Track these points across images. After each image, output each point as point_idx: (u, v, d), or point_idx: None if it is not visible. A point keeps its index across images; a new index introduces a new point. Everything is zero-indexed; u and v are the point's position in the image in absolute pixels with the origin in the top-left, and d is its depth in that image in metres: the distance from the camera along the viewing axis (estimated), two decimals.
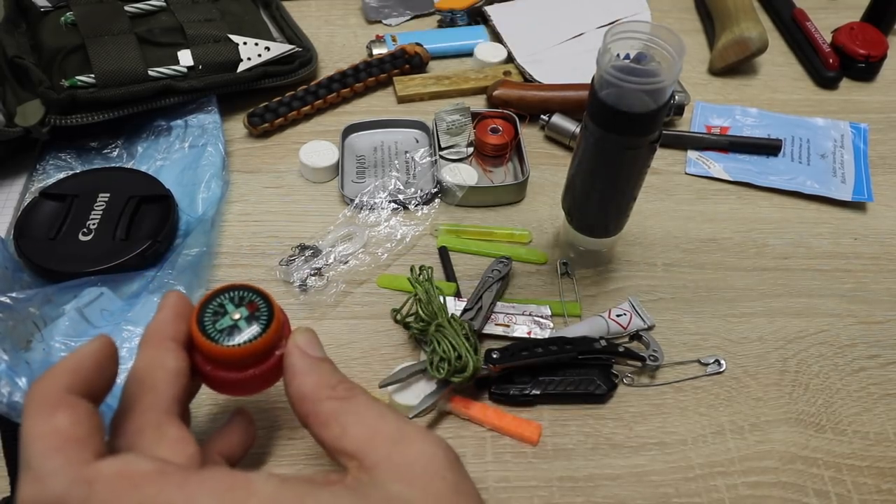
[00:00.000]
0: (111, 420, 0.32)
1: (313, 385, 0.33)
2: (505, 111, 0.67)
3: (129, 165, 0.62)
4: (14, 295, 0.49)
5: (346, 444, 0.31)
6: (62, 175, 0.60)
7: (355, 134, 0.67)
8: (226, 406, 0.47)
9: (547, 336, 0.52)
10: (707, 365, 0.52)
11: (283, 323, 0.36)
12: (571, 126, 0.67)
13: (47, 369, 0.30)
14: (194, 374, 0.35)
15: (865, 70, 0.77)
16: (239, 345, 0.34)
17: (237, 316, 0.34)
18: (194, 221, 0.57)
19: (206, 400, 0.47)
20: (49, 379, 0.29)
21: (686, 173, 0.66)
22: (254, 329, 0.34)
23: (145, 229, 0.55)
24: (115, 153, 0.63)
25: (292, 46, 0.69)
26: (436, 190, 0.62)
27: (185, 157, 0.62)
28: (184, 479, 0.28)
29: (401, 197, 0.61)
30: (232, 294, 0.35)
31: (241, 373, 0.35)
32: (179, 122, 0.65)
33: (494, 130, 0.65)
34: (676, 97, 0.69)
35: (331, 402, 0.32)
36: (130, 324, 0.48)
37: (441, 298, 0.50)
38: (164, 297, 0.36)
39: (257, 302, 0.35)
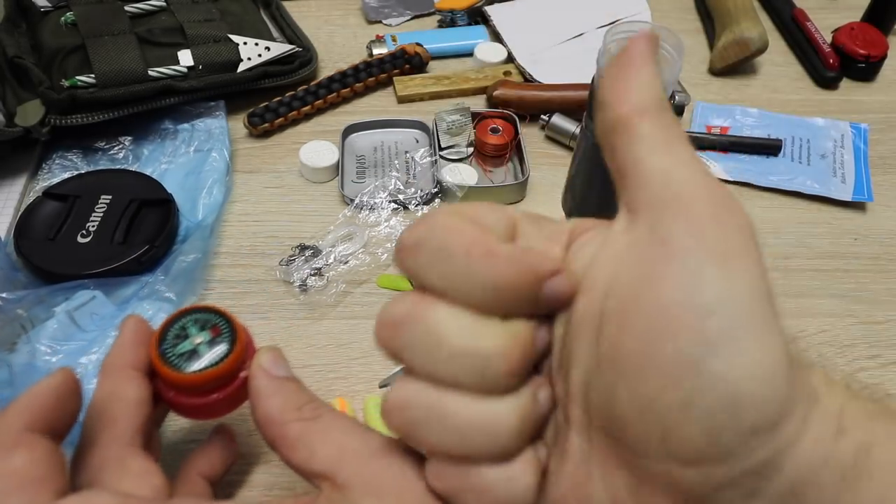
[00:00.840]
0: (73, 455, 0.31)
1: (279, 407, 0.32)
2: (505, 111, 0.67)
3: (134, 167, 0.62)
4: (4, 295, 0.48)
5: (315, 465, 0.30)
6: (67, 175, 0.60)
7: (355, 134, 0.67)
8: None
9: None
10: None
11: (246, 344, 0.35)
12: (571, 126, 0.67)
13: (4, 408, 0.29)
14: (157, 400, 0.34)
15: (865, 70, 0.77)
16: (200, 370, 0.33)
17: (199, 340, 0.33)
18: (193, 227, 0.57)
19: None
20: (7, 417, 0.28)
21: None
22: (216, 352, 0.33)
23: (144, 233, 0.55)
24: (122, 154, 0.63)
25: (292, 46, 0.69)
26: (436, 190, 0.62)
27: (190, 162, 0.62)
28: None
29: (401, 197, 0.61)
30: (194, 317, 0.34)
31: (204, 398, 0.34)
32: (186, 125, 0.65)
33: (494, 130, 0.65)
34: (676, 97, 0.69)
35: (297, 424, 0.31)
36: (118, 330, 0.47)
37: None
38: (122, 322, 0.35)
39: (220, 325, 0.34)
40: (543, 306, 0.25)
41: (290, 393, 0.33)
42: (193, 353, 0.33)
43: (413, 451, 0.30)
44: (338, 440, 0.31)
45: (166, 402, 0.35)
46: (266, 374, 0.33)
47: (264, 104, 0.67)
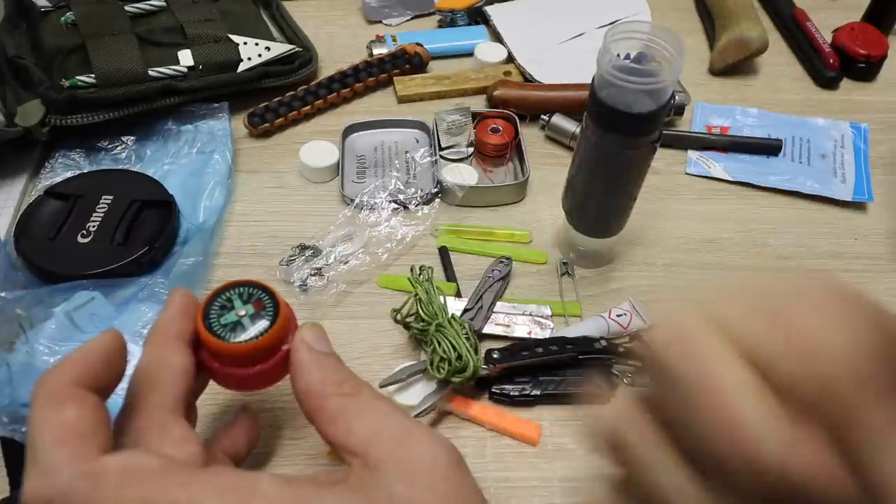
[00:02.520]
0: (116, 417, 0.32)
1: (319, 381, 0.33)
2: (505, 111, 0.67)
3: (137, 168, 0.62)
4: (3, 295, 0.48)
5: (351, 441, 0.31)
6: (69, 174, 0.60)
7: (355, 134, 0.67)
8: (227, 405, 0.47)
9: (547, 336, 0.52)
10: None
11: (288, 318, 0.36)
12: (571, 126, 0.67)
13: (56, 362, 0.30)
14: (200, 371, 0.35)
15: (866, 70, 0.77)
16: (245, 341, 0.34)
17: (243, 312, 0.35)
18: (194, 229, 0.57)
19: (207, 400, 0.47)
20: (57, 372, 0.29)
21: (686, 173, 0.66)
22: (260, 325, 0.34)
23: (144, 235, 0.55)
24: (124, 154, 0.63)
25: (292, 46, 0.69)
26: (436, 190, 0.62)
27: (193, 163, 0.62)
28: (188, 476, 0.28)
29: (401, 197, 0.61)
30: (238, 290, 0.36)
31: (248, 369, 0.35)
32: (189, 126, 0.65)
33: (494, 130, 0.65)
34: (676, 97, 0.69)
35: (337, 399, 0.32)
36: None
37: (441, 298, 0.50)
38: (169, 294, 0.36)
39: (263, 298, 0.35)
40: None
41: (331, 368, 0.34)
42: (238, 325, 0.34)
43: (446, 442, 0.31)
44: (375, 420, 0.31)
45: (210, 373, 0.36)
46: (308, 347, 0.34)
47: (264, 104, 0.67)
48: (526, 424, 0.48)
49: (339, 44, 0.78)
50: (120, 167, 0.62)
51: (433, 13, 0.82)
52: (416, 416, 0.46)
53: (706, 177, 0.66)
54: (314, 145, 0.64)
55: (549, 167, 0.65)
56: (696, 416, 0.21)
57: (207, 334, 0.34)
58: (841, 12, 0.83)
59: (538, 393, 0.48)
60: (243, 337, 0.34)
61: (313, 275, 0.55)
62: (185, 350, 0.34)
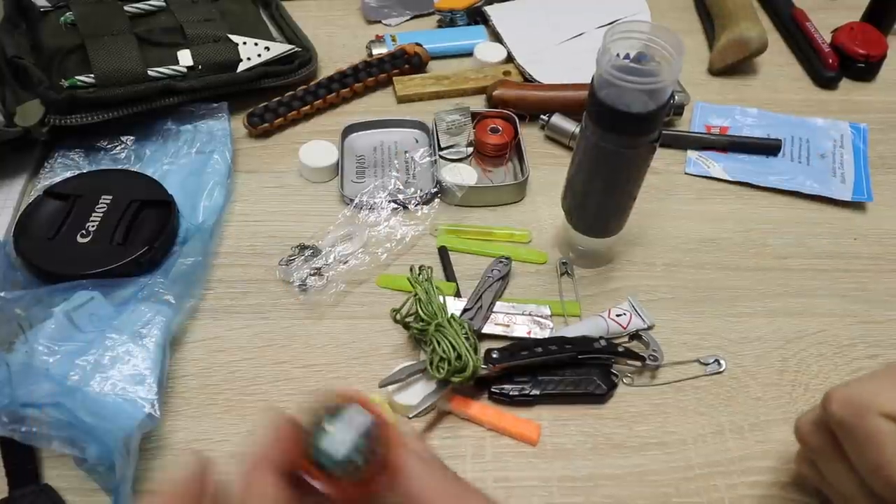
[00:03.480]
0: None
1: (435, 491, 0.33)
2: (504, 111, 0.67)
3: (136, 167, 0.62)
4: (2, 294, 0.48)
5: None
6: (69, 174, 0.60)
7: (355, 134, 0.67)
8: None
9: (547, 336, 0.52)
10: (707, 365, 0.52)
11: (389, 431, 0.34)
12: (571, 126, 0.67)
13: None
14: (304, 494, 0.34)
15: (865, 70, 0.77)
16: (353, 468, 0.32)
17: (346, 437, 0.33)
18: (193, 229, 0.57)
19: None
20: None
21: (686, 173, 0.66)
22: (365, 447, 0.33)
23: (143, 235, 0.55)
24: (124, 154, 0.63)
25: (292, 46, 0.69)
26: (436, 190, 0.62)
27: (192, 163, 0.62)
28: None
29: (401, 197, 0.61)
30: (336, 410, 0.34)
31: (358, 488, 0.33)
32: (189, 126, 0.65)
33: (494, 130, 0.65)
34: (676, 97, 0.69)
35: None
36: (115, 331, 0.47)
37: (441, 298, 0.50)
38: (266, 418, 0.35)
39: (361, 417, 0.34)
40: None
41: (444, 478, 0.34)
42: (341, 448, 0.32)
43: None
44: None
45: (316, 497, 0.34)
46: (419, 458, 0.34)
47: (264, 104, 0.67)
48: (525, 424, 0.48)
49: (338, 44, 0.78)
50: (119, 167, 0.62)
51: (433, 13, 0.82)
52: (416, 415, 0.46)
53: (705, 177, 0.66)
54: (313, 145, 0.64)
55: (548, 167, 0.65)
56: (862, 460, 0.35)
57: (311, 466, 0.32)
58: (840, 12, 0.83)
59: (537, 393, 0.48)
60: (350, 464, 0.32)
61: (313, 274, 0.55)
62: (281, 478, 0.33)
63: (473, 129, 0.65)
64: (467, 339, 0.47)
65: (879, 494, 0.35)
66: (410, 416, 0.47)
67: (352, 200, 0.60)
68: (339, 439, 0.32)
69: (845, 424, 0.36)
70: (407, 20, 0.82)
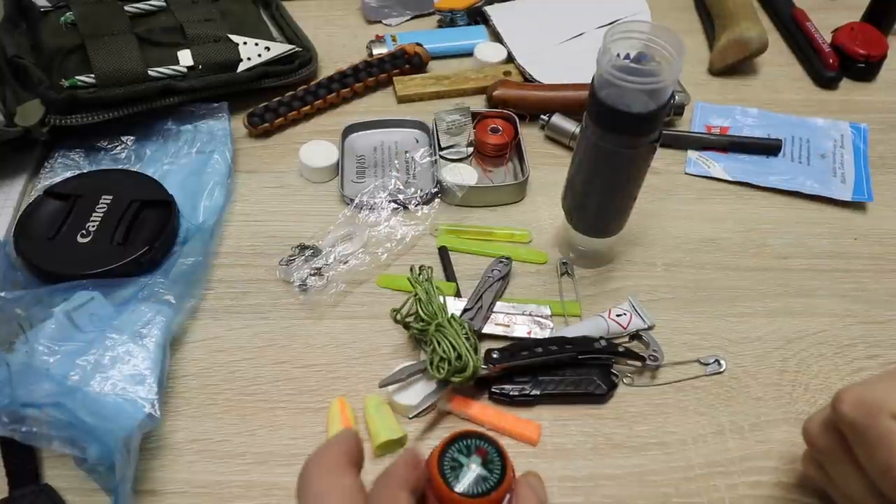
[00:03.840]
0: None
1: None
2: (505, 111, 0.67)
3: (136, 167, 0.62)
4: (2, 294, 0.48)
5: None
6: (69, 174, 0.60)
7: (355, 134, 0.67)
8: None
9: (547, 336, 0.52)
10: (707, 365, 0.52)
11: (511, 465, 0.37)
12: (571, 126, 0.67)
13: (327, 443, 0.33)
14: None
15: (865, 70, 0.77)
16: (482, 494, 0.35)
17: (473, 466, 0.36)
18: (194, 229, 0.57)
19: None
20: (333, 450, 0.33)
21: (686, 173, 0.66)
22: (490, 476, 0.35)
23: (143, 235, 0.55)
24: (124, 154, 0.63)
25: (292, 46, 0.69)
26: (436, 190, 0.62)
27: (192, 163, 0.62)
28: None
29: (401, 197, 0.61)
30: (465, 443, 0.37)
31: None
32: (189, 126, 0.65)
33: (494, 130, 0.65)
34: (676, 97, 0.69)
35: None
36: (115, 331, 0.47)
37: (441, 298, 0.50)
38: (403, 451, 0.38)
39: (485, 447, 0.37)
40: None
41: None
42: (468, 474, 0.35)
43: None
44: None
45: None
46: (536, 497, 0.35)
47: (264, 104, 0.67)
48: (525, 424, 0.48)
49: (338, 44, 0.78)
50: (119, 167, 0.62)
51: (433, 13, 0.82)
52: (416, 415, 0.46)
53: (706, 177, 0.66)
54: (314, 145, 0.64)
55: (548, 167, 0.65)
56: (873, 462, 0.35)
57: (444, 487, 0.35)
58: (840, 12, 0.83)
59: (538, 393, 0.48)
60: (478, 489, 0.35)
61: (313, 274, 0.55)
62: (412, 499, 0.34)
63: (474, 129, 0.65)
64: (467, 339, 0.47)
65: (889, 496, 0.35)
66: (410, 416, 0.47)
67: (352, 200, 0.60)
68: (465, 466, 0.36)
69: (857, 425, 0.36)
70: (407, 20, 0.82)
